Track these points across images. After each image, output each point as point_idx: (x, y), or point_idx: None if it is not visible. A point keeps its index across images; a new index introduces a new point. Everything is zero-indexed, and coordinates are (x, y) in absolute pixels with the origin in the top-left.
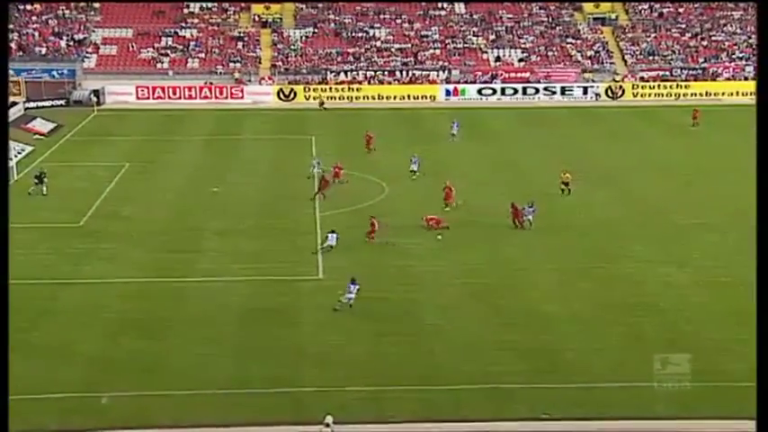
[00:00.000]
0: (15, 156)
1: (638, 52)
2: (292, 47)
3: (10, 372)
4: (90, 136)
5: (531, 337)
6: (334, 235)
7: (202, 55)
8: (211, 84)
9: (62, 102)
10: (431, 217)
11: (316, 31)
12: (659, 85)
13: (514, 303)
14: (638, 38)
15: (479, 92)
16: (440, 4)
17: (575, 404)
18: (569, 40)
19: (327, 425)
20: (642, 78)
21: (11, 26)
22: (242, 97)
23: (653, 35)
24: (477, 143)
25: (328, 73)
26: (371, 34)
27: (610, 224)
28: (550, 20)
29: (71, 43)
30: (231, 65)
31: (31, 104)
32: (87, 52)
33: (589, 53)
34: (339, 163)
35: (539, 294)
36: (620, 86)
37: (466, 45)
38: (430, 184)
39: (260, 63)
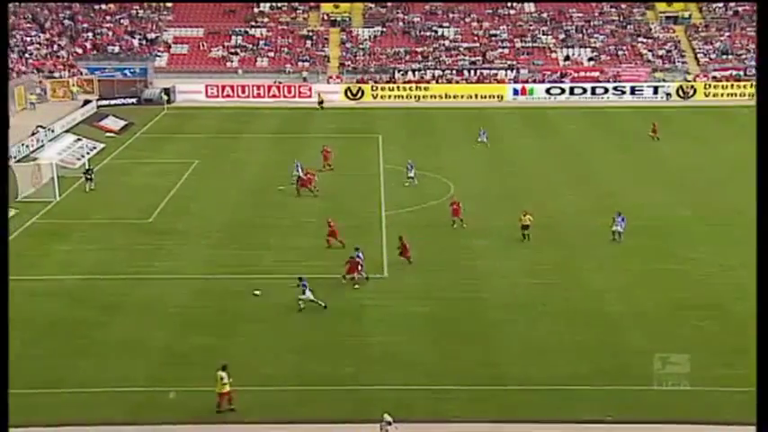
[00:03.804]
0: (87, 153)
1: (711, 51)
2: (361, 46)
3: (81, 366)
4: (160, 133)
5: (597, 338)
6: (304, 283)
7: (271, 54)
8: (280, 83)
9: (133, 100)
10: (456, 206)
11: (384, 30)
12: (732, 85)
13: (581, 304)
14: (712, 37)
15: (547, 91)
16: (509, 3)
17: (640, 406)
18: (640, 39)
19: (389, 423)
20: (715, 78)
21: (86, 25)
22: (310, 96)
23: (727, 34)
24: (545, 143)
25: (396, 72)
26: (440, 33)
27: (678, 225)
28: (621, 19)
29: (143, 42)
30: (300, 64)
31: (104, 102)
32: (159, 51)
33: (660, 52)
34: (312, 170)
35: (606, 295)
36: (692, 86)
37: (535, 44)
38: (496, 184)
39: (328, 62)
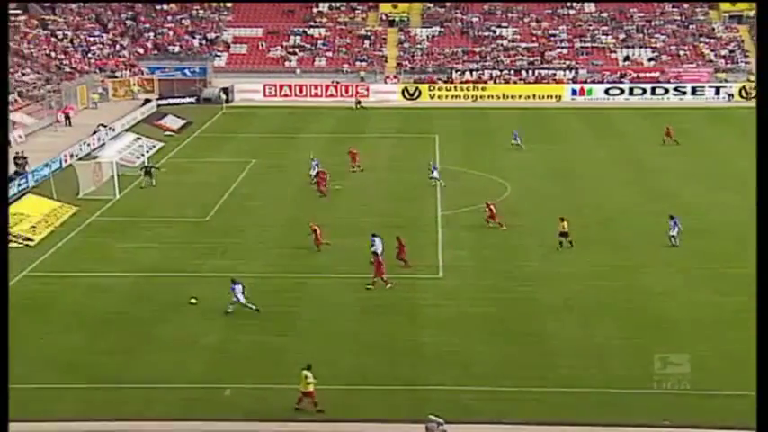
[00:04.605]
0: (147, 151)
1: None
2: (418, 46)
3: (139, 361)
4: (218, 133)
5: (652, 341)
6: (239, 286)
7: (329, 54)
8: (337, 82)
9: (192, 99)
10: (491, 210)
11: (442, 30)
12: None
13: (637, 307)
14: None
15: (606, 92)
16: (569, 3)
17: (696, 411)
18: (703, 38)
19: (440, 424)
20: None
21: (147, 25)
22: (367, 96)
23: None
24: (603, 143)
25: (453, 72)
26: (498, 33)
27: (738, 227)
28: (683, 18)
29: (203, 42)
30: (357, 63)
31: (163, 102)
32: (218, 51)
33: (723, 52)
34: (324, 169)
35: (663, 298)
36: (755, 87)
37: (594, 44)
38: (553, 185)
39: (385, 62)
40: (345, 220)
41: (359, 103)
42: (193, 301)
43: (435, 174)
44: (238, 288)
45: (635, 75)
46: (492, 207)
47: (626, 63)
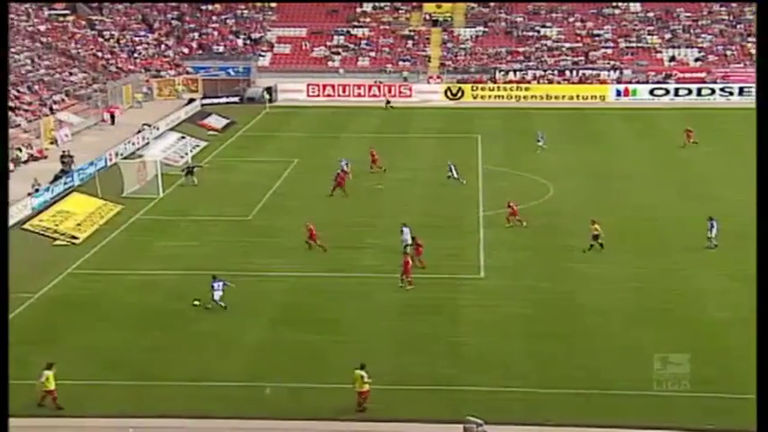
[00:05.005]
0: (190, 150)
1: None
2: (462, 46)
3: (181, 358)
4: (261, 132)
5: (696, 343)
6: (220, 283)
7: (373, 54)
8: (380, 82)
9: (236, 99)
10: (512, 209)
11: (486, 30)
12: None
13: (680, 309)
14: None
15: (651, 92)
16: (614, 3)
17: (742, 415)
18: (750, 38)
19: (478, 425)
20: None
21: (192, 25)
22: (410, 96)
23: None
24: (646, 144)
25: (497, 72)
26: (542, 33)
27: None
28: (731, 18)
29: (247, 42)
30: (400, 63)
31: (207, 101)
32: (262, 51)
33: None
34: (346, 168)
35: (706, 300)
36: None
37: (639, 44)
38: (596, 186)
39: (429, 62)
40: (387, 220)
41: (388, 102)
42: (196, 303)
43: (453, 173)
44: (218, 285)
45: (680, 75)
46: (512, 205)
47: (671, 63)
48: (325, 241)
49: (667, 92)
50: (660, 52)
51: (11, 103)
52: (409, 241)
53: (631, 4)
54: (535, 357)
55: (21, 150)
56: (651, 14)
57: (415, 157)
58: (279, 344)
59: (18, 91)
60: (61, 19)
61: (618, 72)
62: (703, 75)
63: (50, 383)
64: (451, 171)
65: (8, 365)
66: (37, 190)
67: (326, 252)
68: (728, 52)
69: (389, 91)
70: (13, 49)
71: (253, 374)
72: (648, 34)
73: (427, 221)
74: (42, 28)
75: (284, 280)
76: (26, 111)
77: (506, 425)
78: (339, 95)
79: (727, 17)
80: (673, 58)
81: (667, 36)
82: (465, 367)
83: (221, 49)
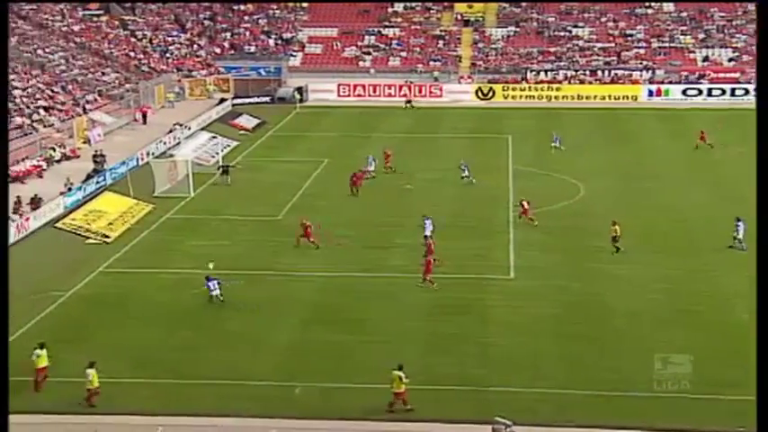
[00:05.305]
0: (221, 150)
1: None
2: (493, 46)
3: (211, 356)
4: (292, 132)
5: (726, 345)
6: (214, 282)
7: (404, 54)
8: (411, 82)
9: (267, 98)
10: (524, 207)
11: (518, 30)
12: None
13: (709, 310)
14: None
15: (684, 92)
16: (647, 3)
17: None
18: None
19: (507, 426)
20: None
21: (224, 25)
22: (440, 96)
23: None
24: (678, 144)
25: (528, 72)
26: (574, 33)
27: None
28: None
29: (279, 42)
30: (431, 63)
31: (238, 101)
32: (293, 51)
33: None
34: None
35: (736, 302)
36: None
37: (672, 44)
38: (627, 186)
39: (460, 62)
40: (416, 220)
41: (409, 102)
42: (211, 266)
43: (466, 172)
44: (213, 285)
45: (714, 75)
46: (525, 204)
47: (705, 63)
48: (354, 240)
49: (700, 92)
50: (693, 52)
51: (45, 103)
52: (429, 232)
53: (664, 3)
54: (564, 359)
55: (54, 150)
56: (684, 14)
57: (446, 157)
58: (308, 343)
59: (52, 91)
60: (95, 19)
61: (650, 72)
62: (737, 75)
63: (95, 381)
64: (464, 171)
65: (8, 366)
66: (69, 189)
67: (318, 249)
68: None
69: (420, 91)
70: (47, 49)
71: (283, 374)
72: (681, 34)
73: (456, 222)
74: (76, 28)
75: (313, 280)
76: (60, 110)
77: (535, 426)
78: (370, 95)
79: None
80: (706, 59)
81: (701, 36)
82: (494, 368)
83: (253, 49)
